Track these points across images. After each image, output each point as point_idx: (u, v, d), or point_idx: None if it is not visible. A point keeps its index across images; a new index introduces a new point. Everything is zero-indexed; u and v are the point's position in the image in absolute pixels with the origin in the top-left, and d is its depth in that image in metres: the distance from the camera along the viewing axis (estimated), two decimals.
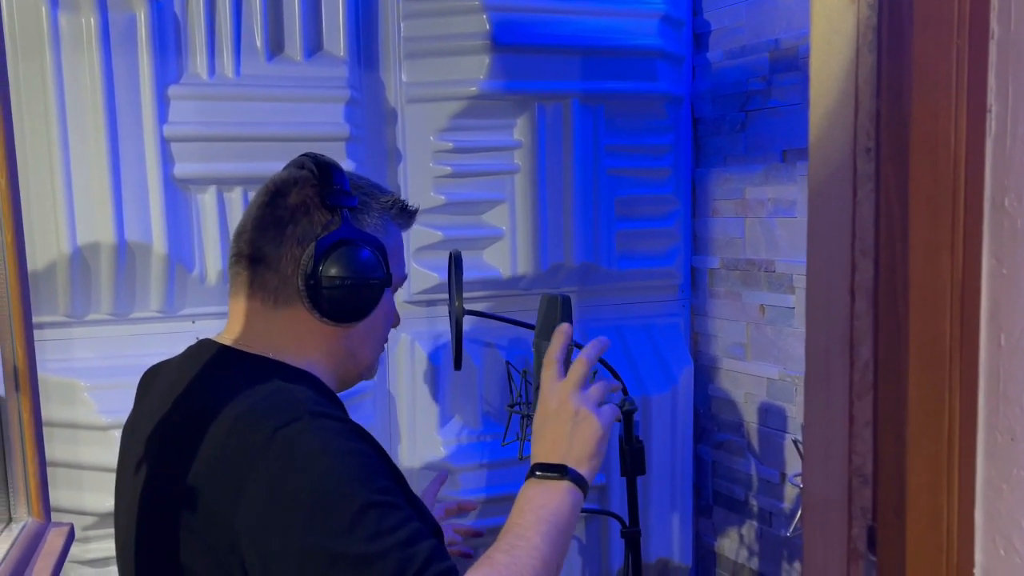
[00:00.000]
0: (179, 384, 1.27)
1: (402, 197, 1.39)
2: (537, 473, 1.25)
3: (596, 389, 1.33)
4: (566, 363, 1.37)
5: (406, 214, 1.40)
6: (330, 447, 1.10)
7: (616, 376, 1.88)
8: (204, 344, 1.33)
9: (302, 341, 1.29)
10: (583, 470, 1.25)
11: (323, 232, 1.25)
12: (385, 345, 1.45)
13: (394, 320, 1.44)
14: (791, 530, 1.78)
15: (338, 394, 1.41)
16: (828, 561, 0.97)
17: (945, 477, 0.79)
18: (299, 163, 1.33)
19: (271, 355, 1.28)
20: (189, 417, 1.20)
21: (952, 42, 0.74)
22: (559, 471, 1.24)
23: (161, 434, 1.23)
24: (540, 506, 1.20)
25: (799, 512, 1.76)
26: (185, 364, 1.32)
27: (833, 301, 0.93)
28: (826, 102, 0.92)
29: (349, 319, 1.28)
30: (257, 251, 1.28)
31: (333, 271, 1.24)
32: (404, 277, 1.42)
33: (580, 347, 1.82)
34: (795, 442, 1.77)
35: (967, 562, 0.80)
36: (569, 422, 1.27)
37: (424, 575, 1.03)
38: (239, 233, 1.31)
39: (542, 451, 1.27)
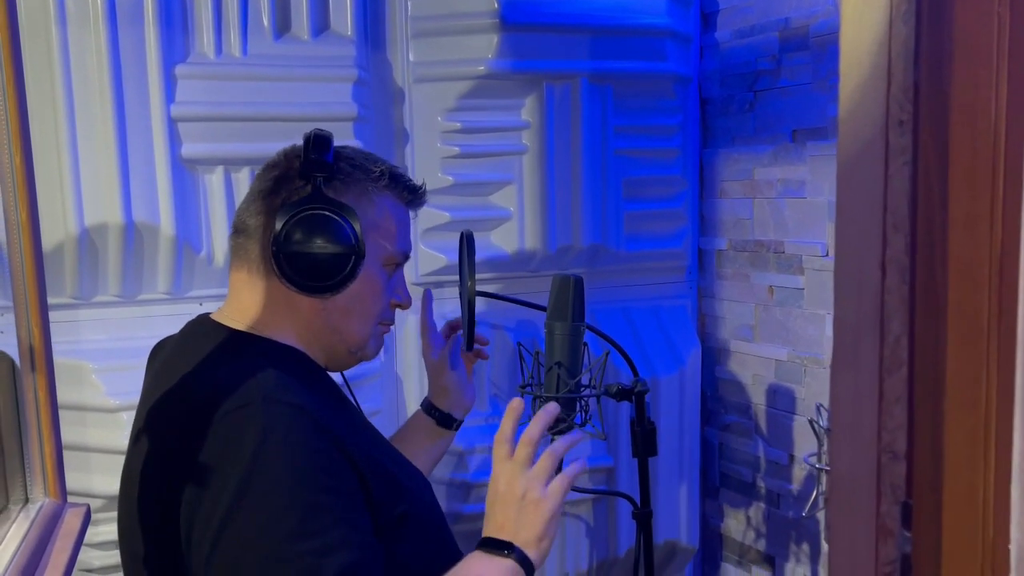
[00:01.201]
0: (171, 360, 1.30)
1: (403, 168, 1.39)
2: (484, 547, 1.24)
3: (541, 468, 1.28)
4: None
5: (401, 187, 1.37)
6: (271, 437, 1.10)
7: (626, 357, 1.88)
8: (199, 320, 1.37)
9: (283, 314, 1.30)
10: (531, 552, 1.23)
11: (294, 199, 1.25)
12: (385, 327, 1.42)
13: (400, 299, 1.41)
14: (806, 510, 1.78)
15: (340, 371, 1.41)
16: (856, 539, 0.97)
17: (982, 452, 0.78)
18: (302, 137, 1.34)
19: (256, 330, 1.30)
20: (174, 393, 1.22)
21: (994, 11, 0.73)
22: (507, 548, 1.22)
23: (153, 409, 1.25)
24: (478, 575, 1.19)
25: (814, 492, 1.76)
26: (180, 340, 1.36)
27: (863, 276, 0.92)
28: (857, 75, 0.91)
29: (318, 289, 1.27)
30: (243, 223, 1.31)
31: (295, 238, 1.23)
32: (402, 253, 1.39)
33: (592, 329, 1.82)
34: (811, 421, 1.76)
35: (1003, 538, 0.80)
36: (515, 505, 1.25)
37: None
38: (238, 208, 1.35)
39: (492, 526, 1.26)
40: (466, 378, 1.75)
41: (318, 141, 1.28)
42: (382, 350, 2.15)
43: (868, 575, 0.95)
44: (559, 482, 1.28)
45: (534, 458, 1.28)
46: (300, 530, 1.05)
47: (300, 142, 1.33)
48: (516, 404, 1.33)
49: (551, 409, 1.35)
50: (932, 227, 0.78)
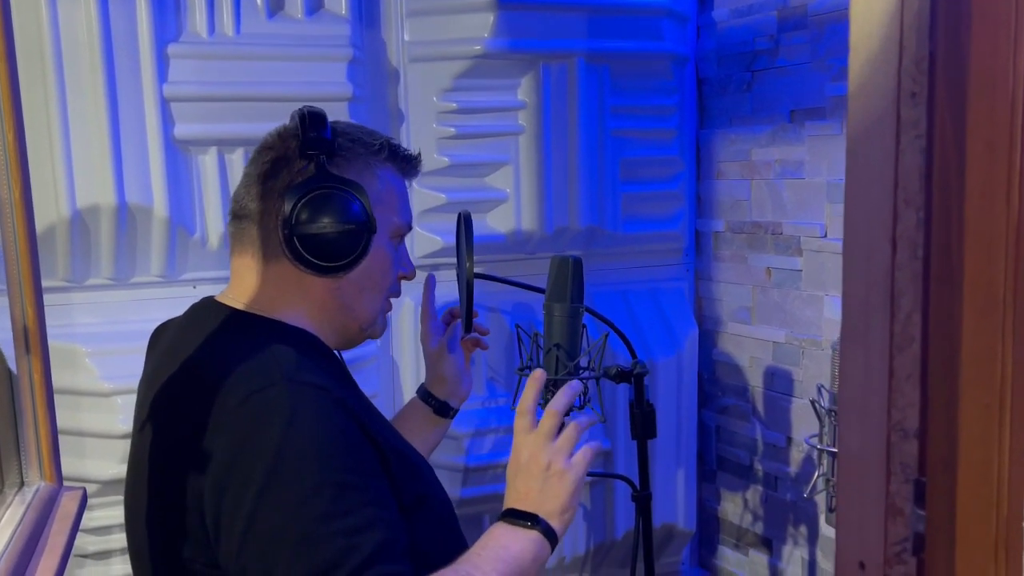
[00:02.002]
0: (177, 343, 1.27)
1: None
2: (508, 518, 1.22)
3: (566, 439, 1.27)
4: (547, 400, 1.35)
5: (400, 158, 1.35)
6: (297, 418, 1.08)
7: (624, 340, 1.86)
8: (204, 303, 1.34)
9: (293, 296, 1.27)
10: (555, 523, 1.22)
11: (299, 181, 1.23)
12: (389, 302, 1.41)
13: (407, 271, 1.40)
14: (807, 491, 1.77)
15: (342, 351, 1.39)
16: (864, 517, 0.96)
17: (997, 429, 0.77)
18: (291, 116, 1.31)
19: (266, 312, 1.27)
20: (183, 378, 1.20)
21: None
22: (531, 520, 1.21)
23: (160, 395, 1.23)
24: (503, 547, 1.18)
25: (815, 473, 1.75)
26: (185, 323, 1.33)
27: (873, 253, 0.91)
28: (867, 48, 0.90)
29: (333, 268, 1.25)
30: (243, 208, 1.28)
31: (307, 219, 1.21)
32: (407, 224, 1.37)
33: (590, 311, 1.80)
34: (813, 402, 1.75)
35: (1016, 515, 0.79)
36: (540, 477, 1.23)
37: (367, 570, 1.01)
38: (234, 194, 1.32)
39: (515, 498, 1.24)
40: (464, 366, 1.73)
41: (314, 118, 1.26)
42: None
43: (877, 554, 0.94)
44: (583, 455, 1.27)
45: (557, 431, 1.28)
46: (332, 511, 1.03)
47: (289, 120, 1.31)
48: (539, 374, 1.32)
49: (576, 385, 1.34)
50: (948, 199, 0.77)
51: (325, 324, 1.30)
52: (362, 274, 1.29)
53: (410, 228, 1.39)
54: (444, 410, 1.69)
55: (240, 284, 1.30)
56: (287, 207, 1.21)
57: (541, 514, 1.21)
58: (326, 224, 1.21)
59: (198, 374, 1.18)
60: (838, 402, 0.97)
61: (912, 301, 0.88)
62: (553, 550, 1.23)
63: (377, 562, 1.02)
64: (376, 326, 1.37)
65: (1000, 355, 0.75)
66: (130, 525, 1.28)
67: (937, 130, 0.78)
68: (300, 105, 1.31)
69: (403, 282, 1.42)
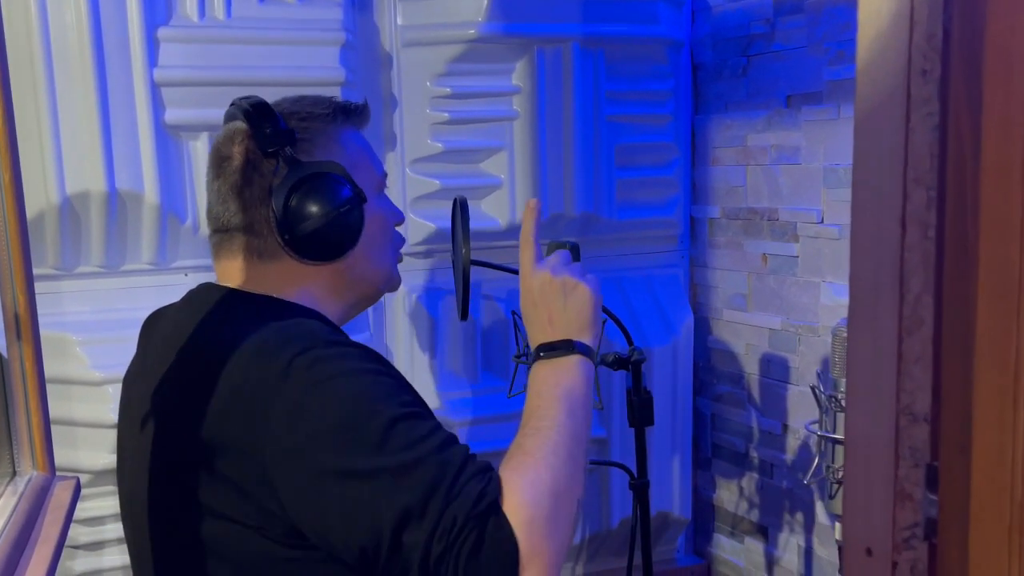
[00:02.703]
0: (183, 330, 1.21)
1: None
2: (542, 354, 1.19)
3: (558, 258, 1.25)
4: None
5: (354, 115, 1.31)
6: (347, 368, 1.06)
7: (622, 327, 1.85)
8: (206, 287, 1.28)
9: (301, 286, 1.24)
10: (586, 339, 1.20)
11: (277, 182, 1.19)
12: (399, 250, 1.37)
13: (399, 219, 1.37)
14: (807, 478, 1.76)
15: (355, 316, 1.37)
16: (872, 503, 0.94)
17: (1011, 412, 0.75)
18: (231, 114, 1.27)
19: (274, 293, 1.23)
20: (198, 360, 1.14)
21: None
22: (565, 347, 1.18)
23: (169, 383, 1.17)
24: (555, 384, 1.15)
25: (816, 460, 1.74)
26: (187, 309, 1.26)
27: (882, 233, 0.89)
28: (877, 23, 0.88)
29: (342, 251, 1.23)
30: (226, 223, 1.23)
31: (302, 217, 1.18)
32: (384, 174, 1.34)
33: None
34: (813, 388, 1.74)
35: None
36: (560, 296, 1.20)
37: (463, 475, 1.00)
38: (208, 210, 1.27)
39: (541, 332, 1.21)
40: None
41: (260, 112, 1.21)
42: (370, 321, 2.11)
43: (885, 540, 0.93)
44: (592, 276, 1.25)
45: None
46: (411, 438, 1.02)
47: (229, 118, 1.27)
48: (533, 203, 1.28)
49: (533, 204, 1.28)
50: (963, 179, 0.75)
51: (337, 301, 1.28)
52: (366, 243, 1.26)
53: (386, 175, 1.35)
54: None
55: (238, 276, 1.25)
56: (277, 211, 1.18)
57: (571, 335, 1.19)
58: (322, 215, 1.19)
59: (224, 355, 1.11)
60: (846, 386, 0.96)
61: (922, 283, 0.86)
62: (596, 366, 1.21)
63: (469, 461, 1.03)
64: (393, 280, 1.35)
65: (1016, 336, 0.74)
66: (130, 521, 1.25)
67: (952, 109, 0.76)
68: (292, 90, 1.27)
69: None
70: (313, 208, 1.19)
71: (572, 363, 1.17)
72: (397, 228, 1.36)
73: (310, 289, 1.25)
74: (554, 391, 1.14)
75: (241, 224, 1.22)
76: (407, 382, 1.14)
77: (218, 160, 1.25)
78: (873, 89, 0.89)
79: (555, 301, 1.20)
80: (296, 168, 1.19)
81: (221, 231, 1.24)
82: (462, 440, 1.10)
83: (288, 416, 1.03)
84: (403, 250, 2.12)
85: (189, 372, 1.15)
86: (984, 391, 0.75)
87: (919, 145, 0.84)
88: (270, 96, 1.29)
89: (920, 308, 0.87)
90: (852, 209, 0.93)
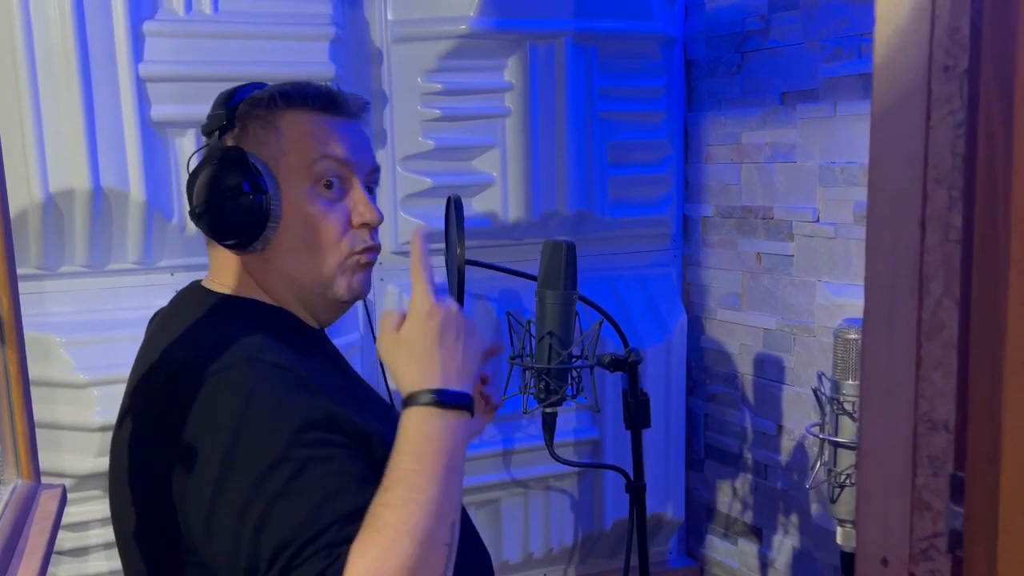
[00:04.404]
0: (159, 332, 1.23)
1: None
2: (438, 403, 1.05)
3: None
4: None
5: (301, 98, 1.21)
6: (256, 396, 1.04)
7: (617, 328, 1.82)
8: (190, 288, 1.28)
9: (247, 276, 1.22)
10: (471, 392, 1.09)
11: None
12: (359, 257, 1.22)
13: (367, 218, 1.21)
14: (810, 482, 1.73)
15: (326, 328, 1.31)
16: (888, 512, 0.92)
17: None
18: None
19: (241, 293, 1.22)
20: (161, 365, 1.15)
21: None
22: (464, 401, 1.06)
23: (138, 385, 1.18)
24: (440, 450, 1.04)
25: (817, 463, 1.71)
26: (169, 311, 1.28)
27: (900, 235, 0.86)
28: (896, 18, 0.85)
29: (245, 242, 1.17)
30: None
31: (200, 199, 1.17)
32: (336, 161, 1.19)
33: (583, 299, 1.76)
34: (815, 391, 1.71)
35: None
36: (463, 337, 1.09)
37: (317, 541, 0.96)
38: None
39: (435, 375, 1.07)
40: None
41: (218, 99, 1.21)
42: (360, 321, 2.07)
43: (902, 550, 0.90)
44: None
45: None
46: (293, 486, 0.99)
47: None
48: (419, 232, 1.13)
49: (420, 234, 1.13)
50: (993, 176, 0.73)
51: (290, 299, 1.23)
52: (290, 237, 1.18)
53: (343, 165, 1.21)
54: None
55: (213, 268, 1.26)
56: (189, 194, 1.19)
57: (467, 387, 1.08)
58: (215, 202, 1.15)
59: (174, 359, 1.14)
60: (860, 392, 0.93)
61: (943, 286, 0.84)
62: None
63: (329, 531, 0.97)
64: (336, 287, 1.21)
65: None
66: (116, 518, 1.23)
67: (982, 107, 0.73)
68: None
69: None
70: (204, 191, 1.16)
71: (463, 423, 1.06)
72: (359, 229, 1.22)
73: (257, 283, 1.22)
74: (439, 458, 1.02)
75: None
76: (341, 413, 1.07)
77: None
78: (891, 87, 0.87)
79: (458, 341, 1.09)
80: (208, 154, 1.18)
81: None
82: None
83: (186, 437, 1.04)
84: (394, 250, 2.09)
85: (156, 376, 1.15)
86: (1013, 398, 0.73)
87: (940, 144, 0.82)
88: None
89: (940, 312, 0.85)
90: (868, 210, 0.91)
